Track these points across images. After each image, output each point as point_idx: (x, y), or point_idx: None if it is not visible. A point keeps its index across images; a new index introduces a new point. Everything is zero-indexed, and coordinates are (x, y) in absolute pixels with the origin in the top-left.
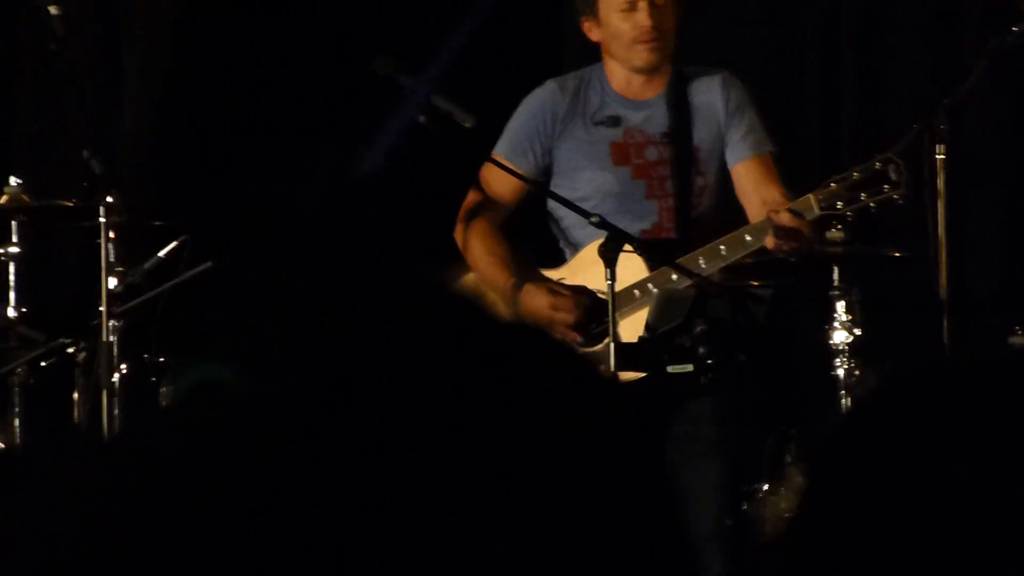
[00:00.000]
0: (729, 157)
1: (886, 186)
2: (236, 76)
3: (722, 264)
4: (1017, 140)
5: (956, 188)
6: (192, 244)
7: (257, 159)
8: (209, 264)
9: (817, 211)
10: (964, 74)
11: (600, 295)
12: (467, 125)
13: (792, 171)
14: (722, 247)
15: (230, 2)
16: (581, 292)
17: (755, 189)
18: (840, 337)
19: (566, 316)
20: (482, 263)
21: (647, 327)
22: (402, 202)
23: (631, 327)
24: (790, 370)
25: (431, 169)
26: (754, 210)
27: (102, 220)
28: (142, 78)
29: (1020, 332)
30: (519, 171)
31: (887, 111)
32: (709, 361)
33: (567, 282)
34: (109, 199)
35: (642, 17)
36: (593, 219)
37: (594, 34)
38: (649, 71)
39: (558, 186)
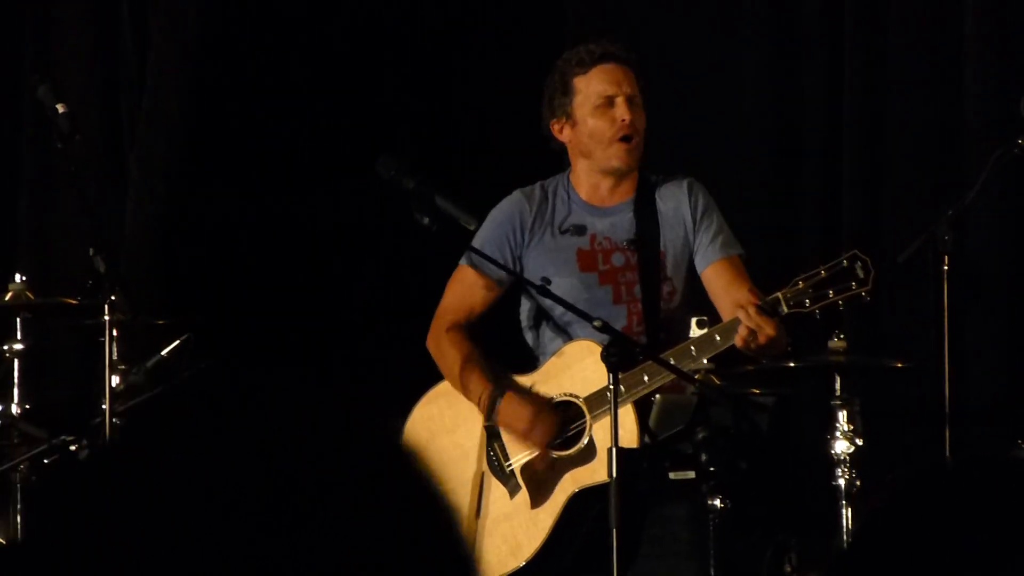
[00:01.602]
0: (699, 262)
1: (853, 283)
2: (238, 176)
3: (693, 364)
4: (1019, 251)
5: (959, 298)
6: (195, 343)
7: (259, 258)
8: (212, 363)
9: (785, 309)
10: (967, 184)
11: (573, 399)
12: (471, 228)
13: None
14: (692, 348)
15: (230, 103)
16: (559, 406)
17: (726, 291)
18: (841, 447)
19: (542, 436)
20: (458, 370)
21: (649, 433)
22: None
23: (604, 431)
24: (791, 479)
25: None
26: (727, 312)
27: (105, 318)
28: (145, 176)
29: (1022, 444)
30: (491, 279)
31: (889, 221)
32: (711, 468)
33: (539, 389)
34: (112, 297)
35: (620, 112)
36: (596, 323)
37: (564, 135)
38: (622, 173)
39: (525, 299)
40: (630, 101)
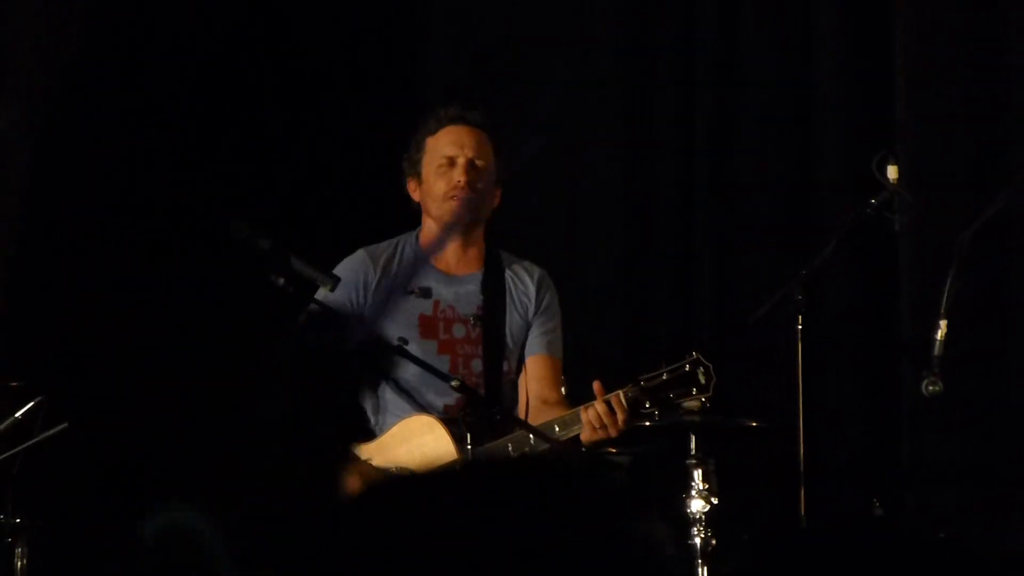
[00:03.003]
0: (525, 348)
1: (694, 389)
2: (90, 230)
3: (526, 450)
4: (873, 310)
5: (813, 358)
6: (49, 405)
7: (113, 317)
8: (65, 425)
9: (625, 406)
10: (820, 244)
11: (403, 473)
12: (328, 288)
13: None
14: (530, 436)
15: (82, 156)
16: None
17: (538, 384)
18: (697, 506)
19: None
20: None
21: None
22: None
23: None
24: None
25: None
26: (531, 403)
27: None
28: None
29: (877, 504)
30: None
31: (741, 280)
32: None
33: (375, 461)
34: None
35: (457, 173)
36: (454, 383)
37: (416, 195)
38: (460, 231)
39: (366, 353)
40: (471, 164)
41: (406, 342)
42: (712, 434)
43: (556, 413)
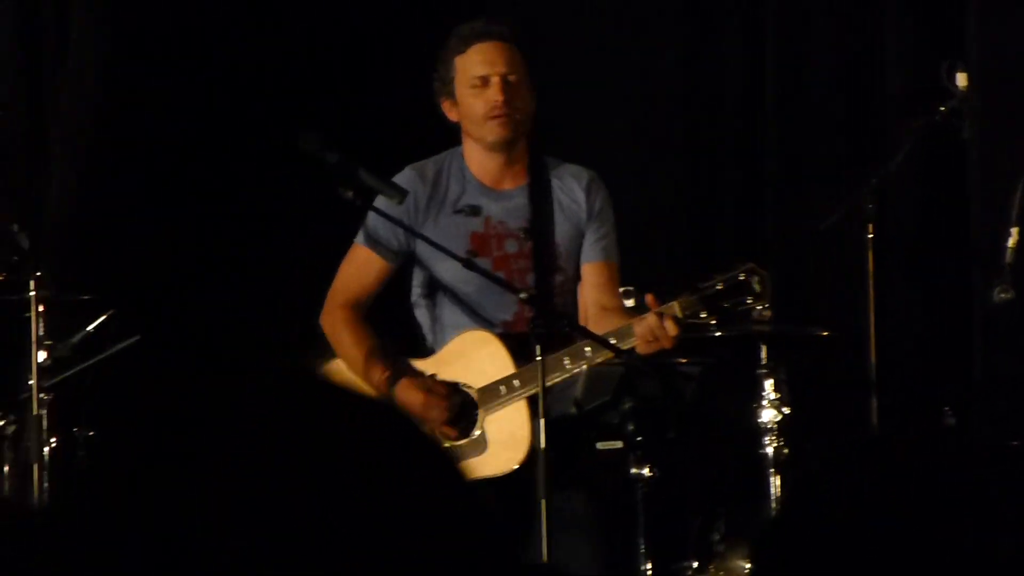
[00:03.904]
0: (581, 255)
1: (749, 298)
2: (160, 148)
3: (585, 364)
4: (942, 219)
5: (883, 267)
6: (120, 318)
7: (183, 231)
8: (137, 338)
9: (680, 317)
10: (889, 153)
11: (467, 389)
12: (397, 201)
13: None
14: (586, 348)
15: (151, 79)
16: (453, 389)
17: (596, 291)
18: (768, 415)
19: (439, 414)
20: (353, 354)
21: (575, 403)
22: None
23: (496, 424)
24: (718, 448)
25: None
26: (589, 310)
27: (31, 294)
28: (67, 152)
29: (949, 413)
30: (386, 258)
31: (811, 190)
32: (638, 438)
33: (438, 375)
34: (37, 273)
35: (493, 92)
36: (522, 295)
37: (452, 114)
38: (503, 149)
39: (418, 274)
40: (504, 80)
41: (475, 254)
42: (782, 344)
43: (615, 319)
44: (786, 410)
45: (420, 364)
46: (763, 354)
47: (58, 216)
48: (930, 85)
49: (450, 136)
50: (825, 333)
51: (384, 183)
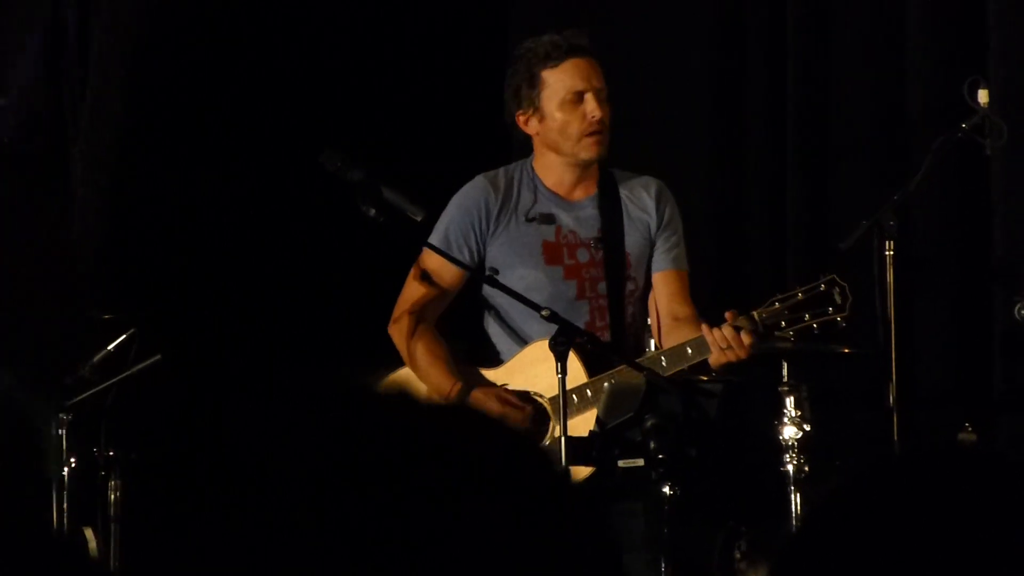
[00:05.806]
0: (652, 265)
1: (830, 308)
2: (183, 170)
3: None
4: (964, 236)
5: (904, 284)
6: (141, 337)
7: (204, 251)
8: (158, 357)
9: (761, 329)
10: (911, 170)
11: (538, 398)
12: (418, 219)
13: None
14: (662, 358)
15: (174, 96)
16: (526, 399)
17: (668, 301)
18: (790, 432)
19: (512, 422)
20: (424, 365)
21: (597, 421)
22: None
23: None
24: (740, 465)
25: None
26: (662, 320)
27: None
28: (89, 169)
29: (968, 428)
30: (456, 267)
31: (833, 207)
32: (660, 456)
33: (509, 385)
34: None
35: (591, 108)
36: (544, 312)
37: (531, 127)
38: (590, 165)
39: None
40: (598, 96)
41: (497, 272)
42: (804, 361)
43: (688, 329)
44: (807, 427)
45: (490, 374)
46: (785, 371)
47: (80, 234)
48: (952, 102)
49: (477, 150)
50: (847, 350)
51: (406, 201)
